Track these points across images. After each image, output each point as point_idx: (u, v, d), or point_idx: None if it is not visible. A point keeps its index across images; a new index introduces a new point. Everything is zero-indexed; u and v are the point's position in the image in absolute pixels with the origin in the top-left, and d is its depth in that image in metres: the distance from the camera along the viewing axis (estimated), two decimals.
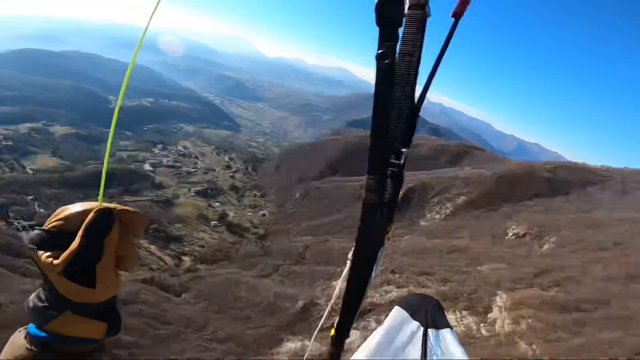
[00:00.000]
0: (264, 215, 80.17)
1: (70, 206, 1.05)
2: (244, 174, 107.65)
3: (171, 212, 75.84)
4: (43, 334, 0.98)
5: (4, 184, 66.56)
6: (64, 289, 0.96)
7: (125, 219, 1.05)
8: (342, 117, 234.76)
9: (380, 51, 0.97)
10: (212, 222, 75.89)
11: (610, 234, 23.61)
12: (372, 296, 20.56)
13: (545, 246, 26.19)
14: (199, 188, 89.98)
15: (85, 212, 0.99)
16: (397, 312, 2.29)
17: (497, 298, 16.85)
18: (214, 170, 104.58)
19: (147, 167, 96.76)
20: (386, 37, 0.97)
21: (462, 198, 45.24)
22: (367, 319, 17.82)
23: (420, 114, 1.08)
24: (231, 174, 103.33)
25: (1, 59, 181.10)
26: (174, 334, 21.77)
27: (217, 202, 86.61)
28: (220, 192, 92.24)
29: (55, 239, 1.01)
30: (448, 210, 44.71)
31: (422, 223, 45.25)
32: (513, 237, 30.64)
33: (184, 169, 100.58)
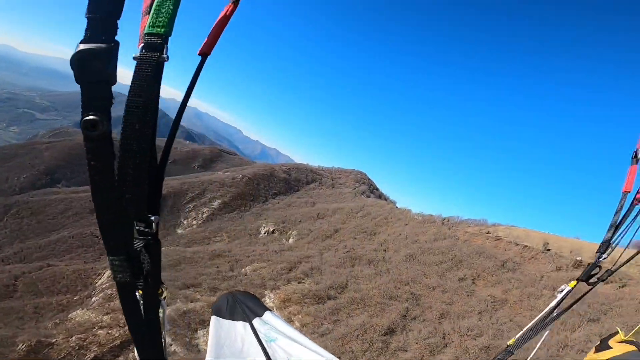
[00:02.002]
0: None
1: None
2: None
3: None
4: None
5: None
6: None
7: None
8: (72, 116, 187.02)
9: (87, 118, 0.72)
10: None
11: (331, 222, 30.88)
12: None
13: (290, 240, 30.86)
14: None
15: None
16: (215, 321, 2.23)
17: (267, 299, 17.97)
18: None
19: None
20: (93, 99, 0.74)
21: (217, 201, 45.93)
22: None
23: (164, 175, 0.98)
24: None
25: None
26: None
27: None
28: None
29: None
30: (204, 215, 44.21)
31: (180, 231, 42.55)
32: (265, 234, 34.20)
33: None
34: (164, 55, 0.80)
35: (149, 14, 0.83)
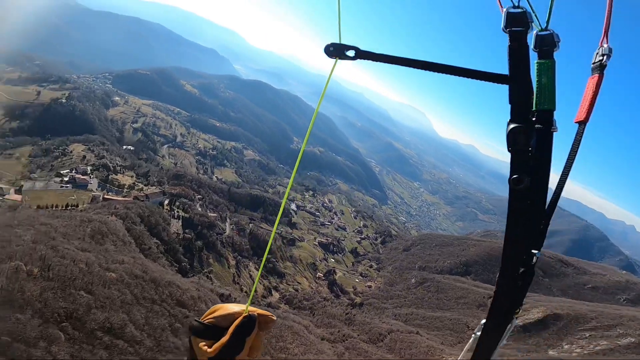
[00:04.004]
0: (369, 287, 74.35)
1: (223, 306, 1.47)
2: (371, 244, 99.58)
3: (289, 250, 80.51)
4: None
5: (192, 179, 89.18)
6: None
7: (263, 321, 1.42)
8: (504, 221, 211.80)
9: (514, 177, 1.16)
10: (318, 274, 78.01)
11: None
12: None
13: None
14: (323, 240, 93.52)
15: (235, 314, 1.38)
16: None
17: None
18: (345, 230, 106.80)
19: (292, 206, 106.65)
20: (519, 163, 1.17)
21: (628, 339, 31.75)
22: None
23: (550, 221, 1.25)
24: (359, 239, 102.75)
25: (242, 85, 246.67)
26: None
27: (334, 258, 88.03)
28: (341, 250, 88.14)
29: (209, 331, 1.40)
30: (598, 348, 32.16)
31: (551, 352, 33.80)
32: None
33: (321, 219, 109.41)
34: (554, 127, 1.21)
35: (535, 93, 1.22)
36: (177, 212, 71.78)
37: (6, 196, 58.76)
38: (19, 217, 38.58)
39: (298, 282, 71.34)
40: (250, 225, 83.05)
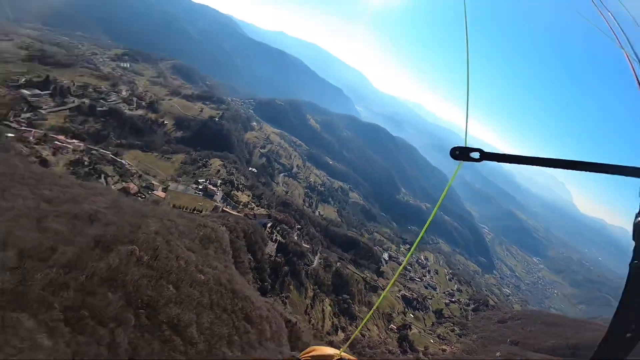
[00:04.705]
0: (443, 350, 72.75)
1: (320, 347, 1.64)
2: (460, 308, 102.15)
3: (369, 296, 78.07)
4: None
5: (296, 209, 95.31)
6: None
7: None
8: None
9: (635, 262, 1.33)
10: (392, 325, 74.89)
11: None
12: None
13: None
14: (408, 294, 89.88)
15: (330, 357, 1.52)
16: None
17: None
18: (435, 290, 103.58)
19: (385, 255, 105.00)
20: None
21: None
22: None
23: None
24: (447, 301, 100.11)
25: (360, 126, 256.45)
26: None
27: (414, 314, 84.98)
28: (424, 308, 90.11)
29: None
30: None
31: None
32: None
33: (411, 274, 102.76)
34: None
35: None
36: (276, 235, 77.47)
37: (154, 192, 73.80)
38: (156, 210, 47.38)
39: (368, 329, 68.05)
40: (338, 263, 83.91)
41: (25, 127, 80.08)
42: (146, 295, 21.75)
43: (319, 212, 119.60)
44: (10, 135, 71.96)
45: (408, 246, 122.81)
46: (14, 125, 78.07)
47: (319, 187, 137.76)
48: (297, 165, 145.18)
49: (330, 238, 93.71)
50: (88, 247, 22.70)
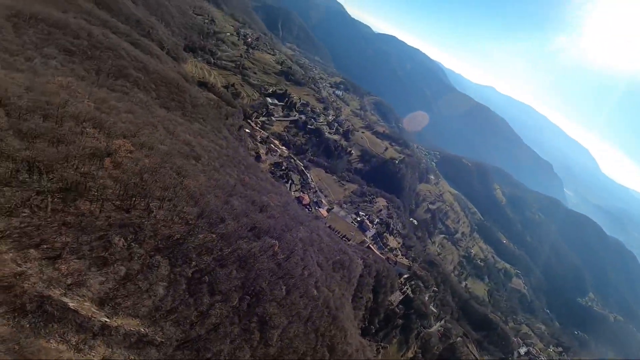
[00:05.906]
0: None
1: None
2: None
3: None
4: None
5: (441, 273, 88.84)
6: None
7: None
8: None
9: None
10: None
11: None
12: None
13: None
14: None
15: None
16: None
17: None
18: None
19: (522, 350, 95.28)
20: None
21: None
22: None
23: None
24: None
25: (562, 213, 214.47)
26: None
27: None
28: None
29: None
30: None
31: None
32: None
33: None
34: None
35: None
36: (407, 288, 73.61)
37: (320, 209, 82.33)
38: (312, 222, 52.59)
39: None
40: (459, 338, 73.69)
41: (259, 127, 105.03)
42: (260, 286, 24.28)
43: (466, 284, 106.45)
44: (247, 130, 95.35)
45: (561, 349, 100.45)
46: (252, 123, 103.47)
47: (477, 261, 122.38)
48: (463, 233, 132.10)
49: (465, 312, 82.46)
50: (245, 227, 27.23)
